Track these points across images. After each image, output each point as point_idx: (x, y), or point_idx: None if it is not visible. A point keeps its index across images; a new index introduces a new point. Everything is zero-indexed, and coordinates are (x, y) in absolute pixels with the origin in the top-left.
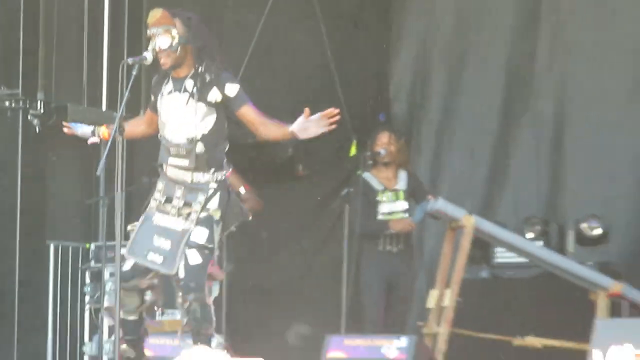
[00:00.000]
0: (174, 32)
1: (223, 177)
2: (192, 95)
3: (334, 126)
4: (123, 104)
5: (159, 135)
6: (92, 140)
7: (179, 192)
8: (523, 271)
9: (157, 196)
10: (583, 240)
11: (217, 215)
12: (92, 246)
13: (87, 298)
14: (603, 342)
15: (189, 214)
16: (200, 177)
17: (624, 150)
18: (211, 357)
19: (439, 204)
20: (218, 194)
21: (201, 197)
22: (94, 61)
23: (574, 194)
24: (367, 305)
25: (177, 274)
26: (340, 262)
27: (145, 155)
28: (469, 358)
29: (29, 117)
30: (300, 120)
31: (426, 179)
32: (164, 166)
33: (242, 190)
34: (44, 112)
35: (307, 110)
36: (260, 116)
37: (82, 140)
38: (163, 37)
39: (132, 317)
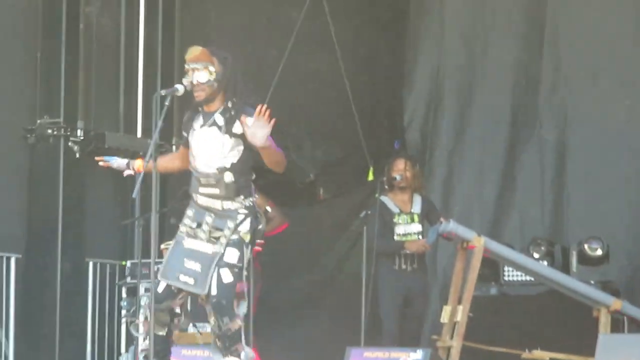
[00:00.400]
0: (212, 68)
1: (251, 204)
2: (220, 128)
3: (273, 120)
4: (157, 131)
5: (190, 166)
6: (127, 172)
7: (209, 219)
8: (530, 289)
9: (187, 222)
10: (585, 260)
11: (247, 239)
12: (128, 263)
13: (123, 312)
14: (606, 356)
15: (218, 238)
16: (230, 204)
17: (623, 175)
18: None
19: (451, 226)
20: (249, 219)
21: (230, 224)
22: (130, 92)
23: (576, 217)
24: (385, 320)
25: (209, 292)
26: (360, 279)
27: (177, 179)
28: None
29: (69, 144)
30: (245, 130)
31: (438, 202)
32: (194, 195)
33: (268, 208)
34: (84, 139)
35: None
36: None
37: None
38: (202, 73)
39: (161, 332)
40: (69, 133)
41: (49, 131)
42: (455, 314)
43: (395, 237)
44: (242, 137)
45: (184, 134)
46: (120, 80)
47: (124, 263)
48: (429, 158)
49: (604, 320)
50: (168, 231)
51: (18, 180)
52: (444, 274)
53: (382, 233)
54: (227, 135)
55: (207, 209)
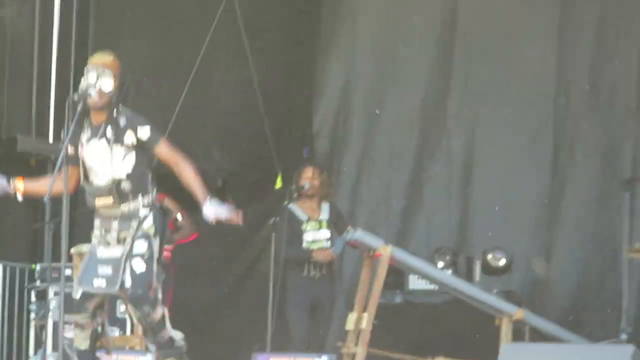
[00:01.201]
0: (115, 79)
1: (151, 200)
2: (110, 140)
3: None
4: (68, 136)
5: (82, 182)
6: (6, 189)
7: (115, 224)
8: (434, 297)
9: (97, 233)
10: (489, 270)
11: (151, 231)
12: (38, 267)
13: (32, 315)
14: None
15: (125, 239)
16: (130, 206)
17: (527, 187)
18: None
19: (358, 234)
20: (151, 214)
21: (134, 223)
22: (42, 96)
23: (481, 228)
24: (292, 326)
25: (123, 286)
26: (267, 285)
27: None
28: None
29: None
30: (211, 212)
31: (346, 210)
32: (95, 207)
33: (178, 217)
34: None
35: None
36: (173, 156)
37: (30, 168)
38: (107, 80)
39: (83, 347)
40: None
41: None
42: (360, 321)
43: (304, 244)
44: (133, 146)
45: (70, 150)
46: (33, 85)
47: (33, 267)
48: (337, 166)
49: (506, 329)
50: (78, 236)
51: None
52: (349, 282)
53: (290, 240)
54: (118, 145)
55: (110, 217)
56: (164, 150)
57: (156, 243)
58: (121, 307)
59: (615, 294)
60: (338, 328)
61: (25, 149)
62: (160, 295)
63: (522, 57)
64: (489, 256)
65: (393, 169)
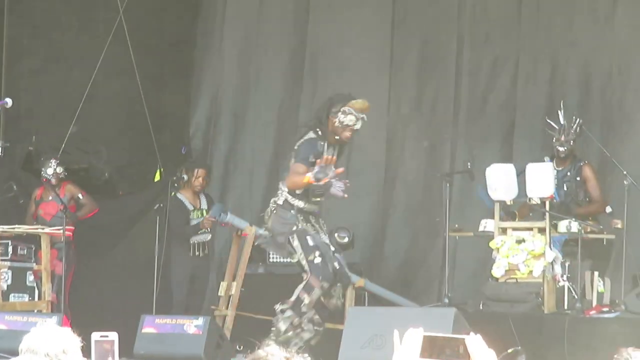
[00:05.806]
0: None
1: None
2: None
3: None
4: None
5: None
6: None
7: (313, 219)
8: (289, 269)
9: (302, 224)
10: (335, 246)
11: None
12: None
13: None
14: (354, 324)
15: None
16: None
17: (366, 182)
18: (57, 333)
19: (228, 217)
20: None
21: (319, 218)
22: None
23: (329, 211)
24: (176, 294)
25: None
26: (153, 259)
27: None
28: (249, 333)
29: None
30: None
31: (216, 198)
32: (301, 203)
33: (80, 195)
34: None
35: None
36: None
37: None
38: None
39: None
40: None
41: None
42: (230, 288)
43: None
44: None
45: (312, 159)
46: None
47: None
48: (209, 161)
49: (350, 294)
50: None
51: None
52: (219, 256)
53: (183, 223)
54: None
55: (311, 213)
56: None
57: None
58: (30, 277)
59: (436, 266)
60: (211, 294)
61: None
62: None
63: (360, 74)
64: (335, 235)
65: (254, 164)
